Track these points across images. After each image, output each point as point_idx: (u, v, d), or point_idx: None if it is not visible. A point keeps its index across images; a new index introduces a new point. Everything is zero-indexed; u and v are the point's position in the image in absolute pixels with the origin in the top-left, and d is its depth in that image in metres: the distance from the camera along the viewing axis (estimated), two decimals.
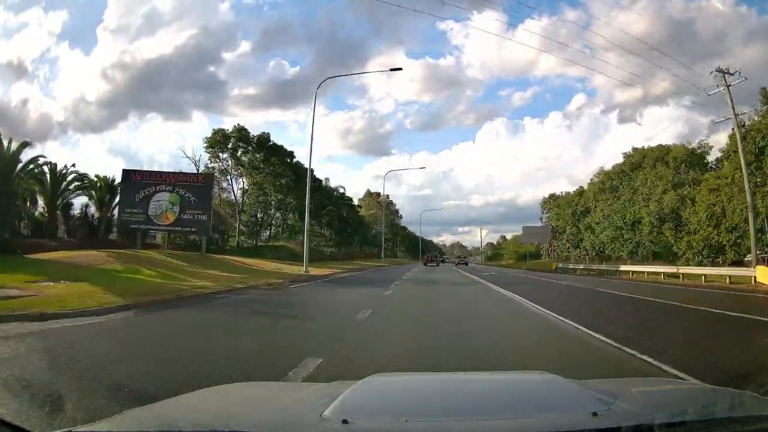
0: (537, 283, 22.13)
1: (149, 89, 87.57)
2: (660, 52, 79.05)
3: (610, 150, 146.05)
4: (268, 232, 56.78)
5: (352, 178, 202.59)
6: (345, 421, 1.49)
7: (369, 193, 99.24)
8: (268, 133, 51.58)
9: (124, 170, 35.33)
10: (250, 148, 50.50)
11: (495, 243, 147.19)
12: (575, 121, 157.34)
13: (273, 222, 56.96)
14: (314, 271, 28.98)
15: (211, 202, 33.34)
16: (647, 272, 29.56)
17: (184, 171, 38.06)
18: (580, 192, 63.10)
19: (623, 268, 32.55)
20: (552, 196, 76.85)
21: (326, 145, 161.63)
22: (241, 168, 50.67)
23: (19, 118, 68.50)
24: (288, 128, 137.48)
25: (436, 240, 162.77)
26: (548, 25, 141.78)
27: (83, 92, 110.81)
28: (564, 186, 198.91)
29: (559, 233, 64.94)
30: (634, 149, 51.23)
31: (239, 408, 1.92)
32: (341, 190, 67.84)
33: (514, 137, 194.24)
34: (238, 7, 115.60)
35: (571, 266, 41.63)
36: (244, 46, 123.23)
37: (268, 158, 49.70)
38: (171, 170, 35.53)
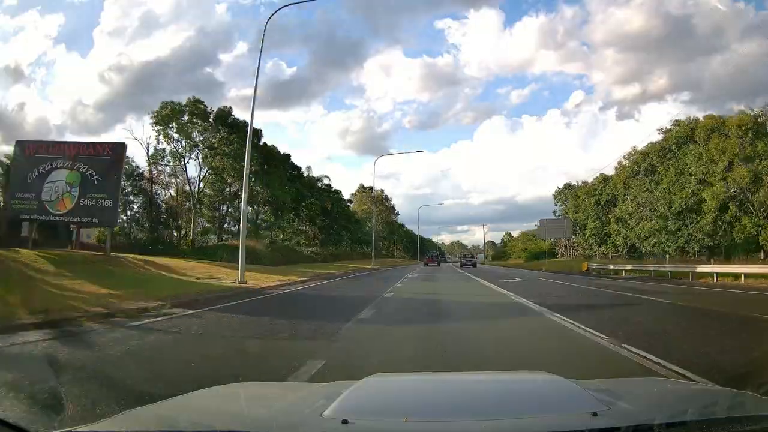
0: (637, 304, 12.21)
1: (146, 91, 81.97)
2: (658, 48, 73.20)
3: (609, 146, 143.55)
4: (235, 228, 47.20)
5: (352, 178, 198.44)
6: (345, 421, 1.47)
7: (362, 188, 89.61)
8: (229, 107, 42.23)
9: (17, 142, 26.13)
10: (207, 124, 41.08)
11: (496, 242, 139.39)
12: (574, 119, 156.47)
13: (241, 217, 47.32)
14: (258, 280, 19.76)
15: (119, 182, 24.00)
16: (743, 274, 20.20)
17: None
18: (605, 178, 53.79)
19: (702, 268, 23.11)
20: (567, 186, 67.66)
21: (325, 145, 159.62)
22: (197, 150, 41.22)
23: (16, 121, 66.52)
24: (286, 129, 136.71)
25: (435, 239, 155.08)
26: (546, 22, 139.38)
27: (80, 95, 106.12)
28: (561, 184, 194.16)
29: (579, 228, 55.67)
30: (677, 122, 41.98)
31: (239, 408, 1.92)
32: (326, 181, 58.23)
33: (513, 135, 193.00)
34: (234, 8, 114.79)
35: (611, 267, 32.22)
36: (241, 47, 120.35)
37: (229, 137, 40.27)
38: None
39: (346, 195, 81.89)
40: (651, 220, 40.55)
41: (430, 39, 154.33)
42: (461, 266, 53.09)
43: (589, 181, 61.70)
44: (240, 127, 41.89)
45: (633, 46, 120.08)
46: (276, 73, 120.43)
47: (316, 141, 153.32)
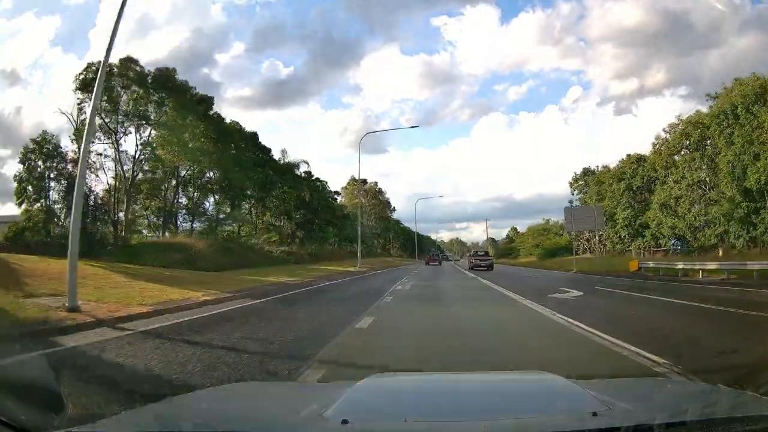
0: None
1: None
2: (656, 42, 70.94)
3: (608, 141, 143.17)
4: (191, 224, 38.17)
5: (350, 175, 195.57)
6: (345, 421, 1.44)
7: (353, 180, 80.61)
8: (173, 69, 33.24)
9: None
10: (144, 92, 32.14)
11: (495, 239, 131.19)
12: (571, 114, 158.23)
13: (200, 209, 38.14)
14: (120, 301, 11.05)
15: None
16: None
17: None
18: (638, 158, 45.04)
19: None
20: (587, 172, 58.96)
21: (324, 143, 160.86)
22: (133, 124, 32.25)
23: (12, 125, 63.06)
24: (283, 129, 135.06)
25: (434, 236, 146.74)
26: (542, 18, 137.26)
27: (78, 97, 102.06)
28: (560, 180, 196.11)
29: (607, 218, 46.85)
30: (737, 80, 33.25)
31: (239, 408, 1.88)
32: (304, 168, 48.82)
33: (511, 132, 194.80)
34: (230, 8, 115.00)
35: (680, 266, 23.25)
36: (238, 48, 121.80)
37: (167, 103, 31.34)
38: None
39: (342, 192, 73.99)
40: (713, 205, 31.91)
41: (427, 36, 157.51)
42: (471, 268, 36.14)
43: (612, 166, 53.22)
44: (184, 90, 33.05)
45: (630, 41, 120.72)
46: (272, 73, 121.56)
47: (314, 140, 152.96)
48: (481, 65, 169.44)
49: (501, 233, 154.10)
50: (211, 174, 34.68)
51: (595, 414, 1.49)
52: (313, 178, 50.04)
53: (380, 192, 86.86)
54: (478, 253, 42.49)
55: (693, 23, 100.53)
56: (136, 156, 32.79)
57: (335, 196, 63.58)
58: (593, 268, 31.09)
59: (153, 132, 33.05)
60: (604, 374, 4.71)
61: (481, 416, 1.57)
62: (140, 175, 34.31)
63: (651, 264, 25.92)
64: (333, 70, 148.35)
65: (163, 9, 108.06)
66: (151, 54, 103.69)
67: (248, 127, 42.83)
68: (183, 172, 36.49)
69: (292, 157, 46.86)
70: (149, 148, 31.79)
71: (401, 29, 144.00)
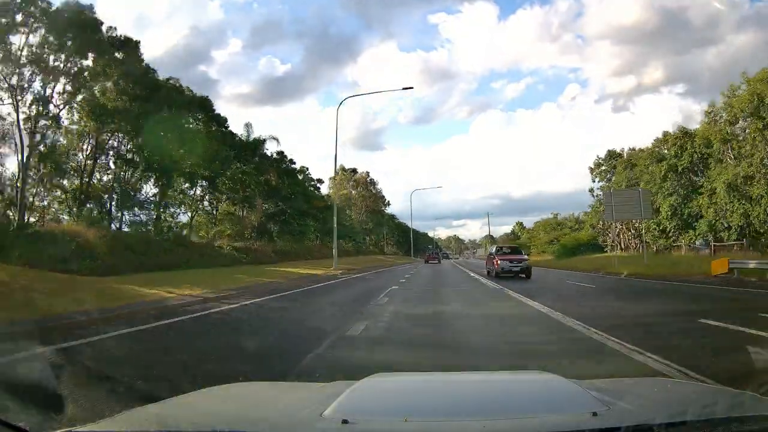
0: None
1: None
2: (653, 40, 65.97)
3: (605, 138, 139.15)
4: (121, 212, 29.56)
5: (341, 165, 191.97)
6: (345, 421, 1.44)
7: (342, 170, 71.95)
8: (89, 5, 24.57)
9: None
10: (49, 33, 23.60)
11: (494, 236, 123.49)
12: (569, 112, 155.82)
13: (123, 190, 29.40)
14: None
15: None
16: None
17: None
18: (684, 133, 36.63)
19: None
20: (612, 155, 50.57)
21: (322, 141, 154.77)
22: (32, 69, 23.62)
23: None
24: (280, 125, 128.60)
25: (431, 234, 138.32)
26: (540, 15, 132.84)
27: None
28: (558, 177, 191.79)
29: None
30: None
31: (239, 408, 1.86)
32: (276, 147, 40.05)
33: (508, 129, 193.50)
34: (227, 5, 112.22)
35: None
36: (235, 45, 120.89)
37: (80, 49, 22.79)
38: None
39: (330, 184, 65.77)
40: None
41: (425, 33, 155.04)
42: (495, 275, 21.51)
43: (641, 147, 44.91)
44: (98, 32, 24.48)
45: (628, 38, 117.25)
46: (269, 70, 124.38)
47: (312, 138, 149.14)
48: (479, 62, 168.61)
49: (498, 231, 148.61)
50: (134, 142, 26.08)
51: (595, 414, 1.47)
52: (286, 159, 41.53)
53: (372, 183, 78.31)
54: (503, 249, 25.49)
55: (691, 21, 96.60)
56: (33, 117, 24.42)
57: (318, 185, 55.09)
58: (648, 271, 22.74)
59: (59, 87, 24.83)
60: None
61: (481, 416, 1.52)
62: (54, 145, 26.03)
63: (752, 264, 17.51)
64: (330, 67, 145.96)
65: (160, 8, 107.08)
66: (148, 53, 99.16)
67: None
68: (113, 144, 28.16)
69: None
70: (42, 106, 23.24)
71: (399, 26, 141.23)
